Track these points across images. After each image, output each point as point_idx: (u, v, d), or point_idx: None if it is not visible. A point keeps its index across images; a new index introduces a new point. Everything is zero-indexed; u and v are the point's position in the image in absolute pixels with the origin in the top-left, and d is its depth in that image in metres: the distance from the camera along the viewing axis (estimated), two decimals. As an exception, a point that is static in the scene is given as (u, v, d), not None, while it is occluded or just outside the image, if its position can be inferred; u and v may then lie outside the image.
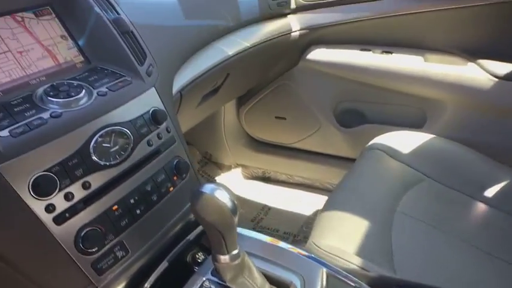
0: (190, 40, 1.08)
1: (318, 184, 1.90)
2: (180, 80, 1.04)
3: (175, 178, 0.83)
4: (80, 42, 0.82)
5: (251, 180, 1.99)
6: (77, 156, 0.66)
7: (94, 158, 0.68)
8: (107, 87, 0.75)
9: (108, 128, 0.71)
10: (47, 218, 0.62)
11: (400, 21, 1.53)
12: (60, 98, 0.68)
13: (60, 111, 0.67)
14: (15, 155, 0.60)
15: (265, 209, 1.82)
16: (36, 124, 0.63)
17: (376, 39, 1.58)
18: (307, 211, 1.78)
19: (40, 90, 0.70)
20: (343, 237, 1.06)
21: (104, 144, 0.70)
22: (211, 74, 1.17)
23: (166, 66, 0.95)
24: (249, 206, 1.82)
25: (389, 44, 1.58)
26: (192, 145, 2.08)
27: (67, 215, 0.65)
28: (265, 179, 1.99)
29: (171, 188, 0.82)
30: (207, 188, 0.64)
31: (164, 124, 0.83)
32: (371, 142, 1.46)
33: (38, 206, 0.61)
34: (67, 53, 0.80)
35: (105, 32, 0.81)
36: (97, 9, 0.80)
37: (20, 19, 0.75)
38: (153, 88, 0.84)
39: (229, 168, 2.03)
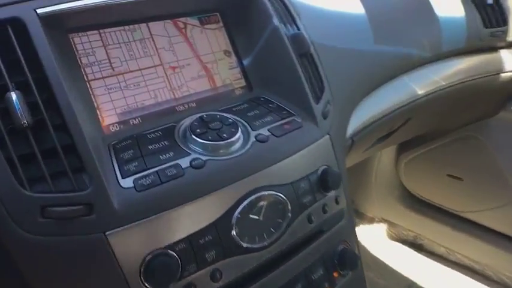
0: (376, 71, 0.81)
1: (491, 273, 1.42)
2: (355, 122, 0.77)
3: (335, 275, 0.57)
4: (246, 62, 0.62)
5: (397, 243, 1.61)
6: (213, 230, 0.45)
7: (234, 234, 0.46)
8: (269, 130, 0.53)
9: (262, 193, 0.49)
10: (155, 321, 0.42)
11: None
12: (208, 140, 0.48)
13: (204, 158, 0.47)
14: (133, 219, 0.41)
15: (413, 288, 1.43)
16: (170, 175, 0.44)
17: None
18: (472, 307, 1.33)
19: (186, 123, 0.51)
20: None
21: (251, 216, 0.48)
22: (393, 117, 0.88)
23: (344, 103, 0.69)
24: (390, 276, 1.45)
25: None
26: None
27: (184, 318, 0.44)
28: (416, 246, 1.58)
29: (328, 290, 0.56)
30: None
31: (334, 192, 0.57)
32: None
33: (147, 299, 0.42)
34: (227, 73, 0.61)
35: (279, 51, 0.59)
36: (276, 20, 0.59)
37: (182, 25, 0.58)
38: (328, 136, 0.59)
39: (371, 221, 1.69)
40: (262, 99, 0.60)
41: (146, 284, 0.41)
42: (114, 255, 0.40)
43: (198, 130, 0.49)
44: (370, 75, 0.80)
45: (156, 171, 0.44)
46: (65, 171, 0.41)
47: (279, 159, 0.52)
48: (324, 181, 0.55)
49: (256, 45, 0.61)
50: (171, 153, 0.47)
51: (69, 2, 0.47)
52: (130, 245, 0.41)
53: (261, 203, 0.49)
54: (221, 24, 0.62)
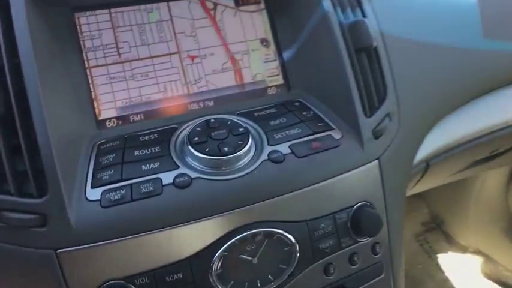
0: (481, 75, 0.60)
1: None
2: (432, 143, 0.59)
3: None
4: (286, 54, 0.50)
5: (493, 284, 1.33)
6: (185, 267, 0.36)
7: (213, 277, 0.37)
8: (290, 147, 0.41)
9: (260, 230, 0.38)
10: None
11: None
12: (204, 153, 0.39)
13: (193, 176, 0.38)
14: (91, 240, 0.35)
15: None
16: (144, 192, 0.36)
17: None
18: None
19: (187, 130, 0.42)
20: None
21: (242, 256, 0.38)
22: (498, 138, 0.66)
23: (419, 118, 0.53)
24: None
25: None
26: (421, 198, 1.56)
27: None
28: (520, 292, 1.28)
29: None
30: None
31: (371, 239, 0.43)
32: None
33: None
34: (261, 67, 0.50)
35: (326, 43, 0.46)
36: (327, 3, 0.46)
37: (211, 6, 0.49)
38: (376, 162, 0.44)
39: (464, 249, 1.42)
40: (297, 103, 0.48)
41: (92, 318, 0.35)
42: (63, 277, 0.34)
43: (197, 138, 0.40)
44: (470, 81, 0.60)
45: (131, 185, 0.37)
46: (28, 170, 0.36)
47: (295, 187, 0.40)
48: (357, 222, 0.41)
49: (301, 34, 0.49)
50: (157, 164, 0.39)
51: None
52: (84, 269, 0.35)
53: (258, 243, 0.38)
54: (262, 5, 0.51)
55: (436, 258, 1.45)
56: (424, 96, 0.53)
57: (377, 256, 0.44)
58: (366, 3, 0.50)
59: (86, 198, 0.36)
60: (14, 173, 0.35)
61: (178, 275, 0.36)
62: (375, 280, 0.44)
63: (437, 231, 1.52)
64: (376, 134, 0.45)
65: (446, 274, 1.37)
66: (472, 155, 0.71)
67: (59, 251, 0.34)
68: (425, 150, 0.59)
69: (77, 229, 0.35)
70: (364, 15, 0.49)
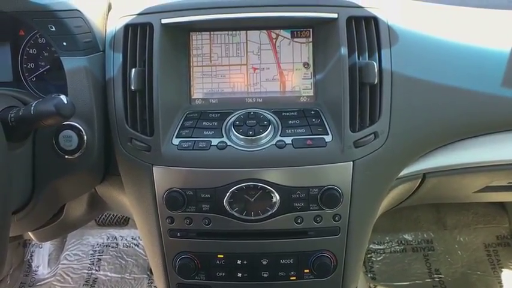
0: (494, 118, 0.71)
1: None
2: (432, 160, 0.74)
3: (306, 271, 0.68)
4: (318, 76, 0.72)
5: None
6: (211, 192, 0.65)
7: (225, 202, 0.65)
8: (292, 139, 0.65)
9: (257, 184, 0.64)
10: (164, 226, 0.68)
11: None
12: (239, 132, 0.65)
13: (228, 144, 0.65)
14: (169, 164, 0.66)
15: None
16: (200, 146, 0.65)
17: None
18: None
19: (235, 116, 0.68)
20: None
21: (245, 195, 0.65)
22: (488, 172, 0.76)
23: (406, 141, 0.69)
24: None
25: None
26: (506, 213, 1.52)
27: (179, 234, 0.68)
28: None
29: (293, 278, 0.68)
30: None
31: (332, 209, 0.65)
32: None
33: (163, 213, 0.68)
34: (299, 82, 0.72)
35: (338, 77, 0.65)
36: (343, 50, 0.65)
37: (274, 36, 0.72)
38: (350, 163, 0.65)
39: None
40: (313, 112, 0.69)
41: (164, 203, 0.67)
42: (153, 180, 0.67)
43: (237, 122, 0.67)
44: (470, 121, 0.71)
45: (194, 141, 0.66)
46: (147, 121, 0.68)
47: (285, 165, 0.64)
48: (323, 198, 0.64)
49: (328, 65, 0.69)
50: (212, 132, 0.67)
51: (188, 16, 0.68)
52: (163, 178, 0.67)
53: (256, 191, 0.64)
54: (310, 39, 0.72)
55: (500, 272, 1.46)
56: (418, 126, 0.68)
57: (336, 223, 0.66)
58: (385, 47, 0.67)
59: (171, 142, 0.67)
60: (142, 120, 0.68)
61: (207, 195, 0.65)
62: (331, 237, 0.67)
63: (510, 248, 1.50)
64: (357, 145, 0.65)
65: (504, 289, 1.39)
66: (480, 180, 0.81)
67: (153, 166, 0.67)
68: (424, 164, 0.74)
69: (163, 157, 0.66)
70: (380, 58, 0.66)
